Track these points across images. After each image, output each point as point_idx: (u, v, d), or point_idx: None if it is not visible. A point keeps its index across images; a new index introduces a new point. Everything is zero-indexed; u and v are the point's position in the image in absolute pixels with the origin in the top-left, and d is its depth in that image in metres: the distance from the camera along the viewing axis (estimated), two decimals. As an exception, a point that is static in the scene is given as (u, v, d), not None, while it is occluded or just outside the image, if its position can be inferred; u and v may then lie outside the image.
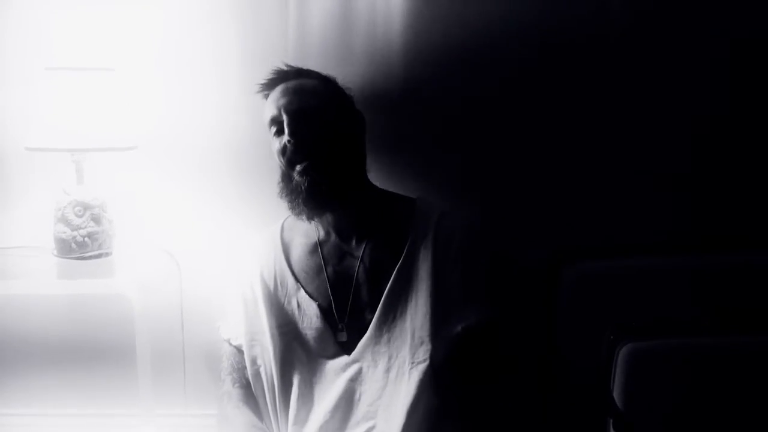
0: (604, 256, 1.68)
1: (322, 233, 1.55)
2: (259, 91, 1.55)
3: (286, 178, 1.49)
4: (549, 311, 1.69)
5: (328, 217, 1.53)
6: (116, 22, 1.72)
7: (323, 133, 1.46)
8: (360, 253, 1.52)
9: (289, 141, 1.45)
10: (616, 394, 1.50)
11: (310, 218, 1.49)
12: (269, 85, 1.54)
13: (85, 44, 1.71)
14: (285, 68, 1.55)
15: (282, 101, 1.47)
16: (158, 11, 1.72)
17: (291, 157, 1.46)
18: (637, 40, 1.69)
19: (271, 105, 1.50)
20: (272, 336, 1.50)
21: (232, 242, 1.69)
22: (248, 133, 1.73)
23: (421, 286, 1.47)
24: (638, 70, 1.70)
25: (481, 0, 1.69)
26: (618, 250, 1.69)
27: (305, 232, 1.57)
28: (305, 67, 1.56)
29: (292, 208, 1.49)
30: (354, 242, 1.53)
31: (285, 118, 1.46)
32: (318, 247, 1.55)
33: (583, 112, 1.72)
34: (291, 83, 1.51)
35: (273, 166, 1.55)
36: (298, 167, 1.46)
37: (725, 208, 1.72)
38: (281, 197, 1.50)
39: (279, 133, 1.48)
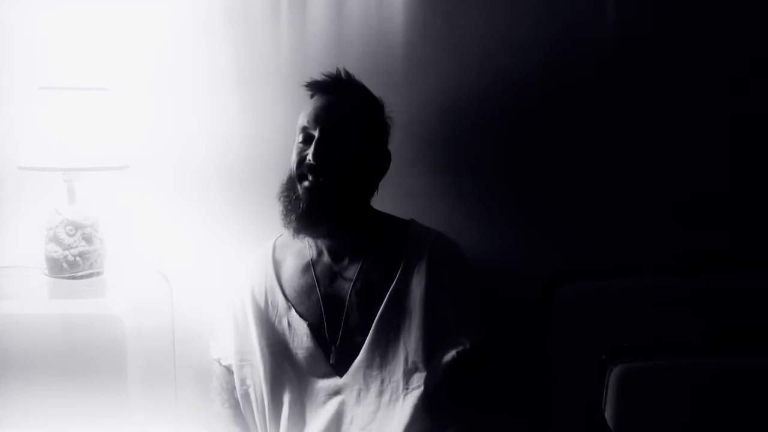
0: (597, 278, 1.68)
1: (314, 252, 1.54)
2: (305, 84, 1.50)
3: (290, 184, 1.48)
4: (542, 332, 1.69)
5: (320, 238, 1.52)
6: (110, 42, 1.72)
7: (345, 164, 1.45)
8: (353, 275, 1.50)
9: (310, 162, 1.43)
10: (608, 414, 1.50)
11: (296, 235, 1.48)
12: (320, 86, 1.50)
13: (79, 64, 1.71)
14: (342, 75, 1.50)
15: (322, 117, 1.45)
16: (152, 31, 1.73)
17: (305, 172, 1.45)
18: (640, 75, 1.71)
19: (310, 114, 1.46)
20: (262, 355, 1.49)
21: (224, 262, 1.69)
22: (241, 153, 1.73)
23: (414, 310, 1.45)
24: (641, 91, 1.71)
25: (480, 24, 1.70)
26: (611, 272, 1.69)
27: (298, 251, 1.56)
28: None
29: (284, 217, 1.47)
30: (347, 263, 1.52)
31: (317, 135, 1.44)
32: (311, 266, 1.54)
33: (581, 132, 1.72)
34: (338, 101, 1.48)
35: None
36: (306, 183, 1.45)
37: (719, 229, 1.72)
38: (278, 199, 1.49)
39: (305, 142, 1.47)
